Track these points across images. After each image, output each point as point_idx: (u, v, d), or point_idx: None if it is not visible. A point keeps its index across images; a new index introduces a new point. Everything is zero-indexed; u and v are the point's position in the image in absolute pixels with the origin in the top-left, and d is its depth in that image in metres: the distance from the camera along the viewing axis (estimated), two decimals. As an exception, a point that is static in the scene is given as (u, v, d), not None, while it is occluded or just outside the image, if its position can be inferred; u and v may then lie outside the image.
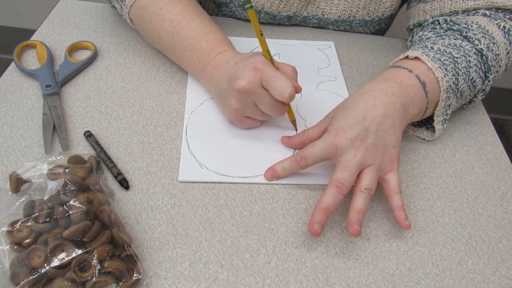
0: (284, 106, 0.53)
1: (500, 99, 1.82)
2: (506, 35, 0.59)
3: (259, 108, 0.53)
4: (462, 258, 0.49)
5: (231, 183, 0.53)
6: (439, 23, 0.62)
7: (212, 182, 0.52)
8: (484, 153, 0.61)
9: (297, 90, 0.50)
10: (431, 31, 0.62)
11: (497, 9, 0.61)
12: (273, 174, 0.53)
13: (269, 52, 0.52)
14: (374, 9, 0.72)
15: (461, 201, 0.55)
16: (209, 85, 0.59)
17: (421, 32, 0.64)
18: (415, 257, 0.49)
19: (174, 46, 0.60)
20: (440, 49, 0.56)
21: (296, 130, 0.59)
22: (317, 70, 0.69)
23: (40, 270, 0.40)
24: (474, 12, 0.62)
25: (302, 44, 0.73)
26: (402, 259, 0.48)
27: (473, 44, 0.57)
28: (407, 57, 0.57)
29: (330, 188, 0.48)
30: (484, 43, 0.57)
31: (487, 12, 0.61)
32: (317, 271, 0.46)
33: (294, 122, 0.58)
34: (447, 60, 0.55)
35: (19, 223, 0.42)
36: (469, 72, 0.56)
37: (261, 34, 0.51)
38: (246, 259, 0.46)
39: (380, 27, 0.78)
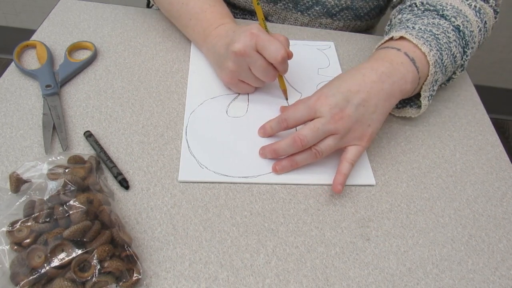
0: (275, 72, 0.57)
1: (500, 99, 1.81)
2: (477, 13, 0.62)
3: (252, 72, 0.57)
4: (462, 258, 0.49)
5: (231, 183, 0.53)
6: (416, 5, 0.65)
7: (212, 182, 0.52)
8: (484, 153, 0.61)
9: (289, 55, 0.55)
10: (409, 13, 0.64)
11: None
12: (264, 132, 0.57)
13: (264, 21, 0.58)
14: None
15: (461, 201, 0.55)
16: (209, 53, 0.64)
17: (399, 15, 0.66)
18: (415, 257, 0.49)
19: (181, 14, 0.66)
20: (421, 28, 0.59)
21: (287, 99, 0.62)
22: (317, 70, 0.69)
23: (40, 270, 0.40)
24: None
25: (302, 44, 0.73)
26: (402, 259, 0.48)
27: (450, 21, 0.60)
28: (391, 38, 0.59)
29: (289, 138, 0.52)
30: (459, 20, 0.60)
31: None
32: (317, 271, 0.46)
33: (285, 92, 0.62)
34: (429, 37, 0.57)
35: (19, 223, 0.42)
36: (450, 47, 0.59)
37: (258, 4, 0.58)
38: (246, 259, 0.46)
39: (379, 4, 0.78)
